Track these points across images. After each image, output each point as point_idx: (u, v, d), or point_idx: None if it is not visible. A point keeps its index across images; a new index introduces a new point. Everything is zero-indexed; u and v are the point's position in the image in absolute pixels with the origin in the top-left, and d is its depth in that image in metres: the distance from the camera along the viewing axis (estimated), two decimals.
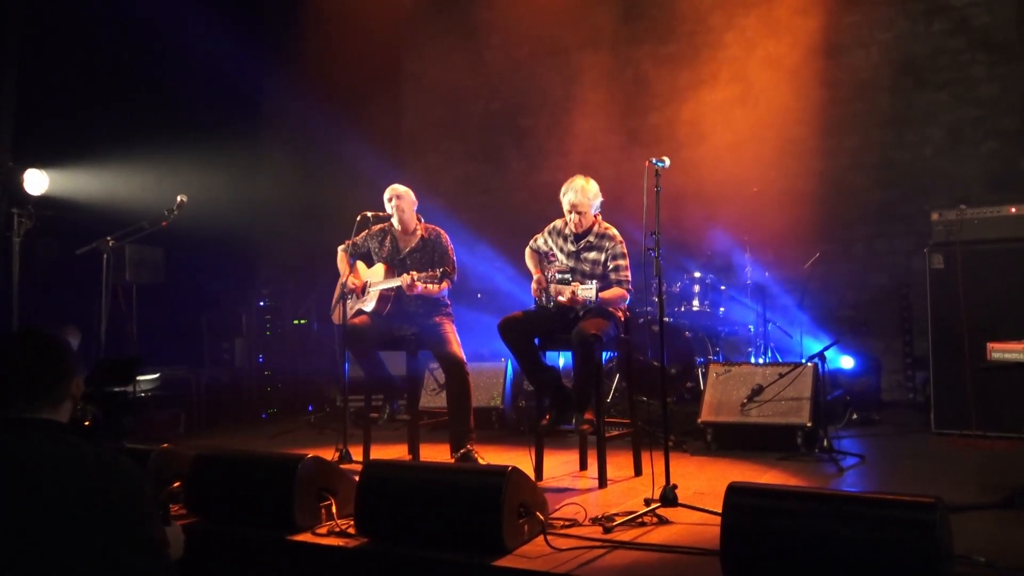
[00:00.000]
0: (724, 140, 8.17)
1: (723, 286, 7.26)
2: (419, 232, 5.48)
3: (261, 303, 8.40)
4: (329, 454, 5.09)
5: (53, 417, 2.27)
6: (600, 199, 4.96)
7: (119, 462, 2.18)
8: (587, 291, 4.55)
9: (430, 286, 5.05)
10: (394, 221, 5.45)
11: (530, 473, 4.05)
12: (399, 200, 5.43)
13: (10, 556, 2.04)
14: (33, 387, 2.25)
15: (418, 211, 5.59)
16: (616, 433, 4.92)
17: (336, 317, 5.56)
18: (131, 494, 2.18)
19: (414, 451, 5.31)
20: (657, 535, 3.49)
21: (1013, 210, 5.87)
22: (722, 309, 7.20)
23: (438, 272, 5.04)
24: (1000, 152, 7.50)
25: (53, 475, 2.11)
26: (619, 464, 4.89)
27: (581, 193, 4.87)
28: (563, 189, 4.96)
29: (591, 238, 4.94)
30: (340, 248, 5.65)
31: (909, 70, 7.88)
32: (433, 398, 6.77)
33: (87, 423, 5.73)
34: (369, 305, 5.36)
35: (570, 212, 4.93)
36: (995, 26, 7.58)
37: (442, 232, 5.52)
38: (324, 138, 9.04)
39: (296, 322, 8.58)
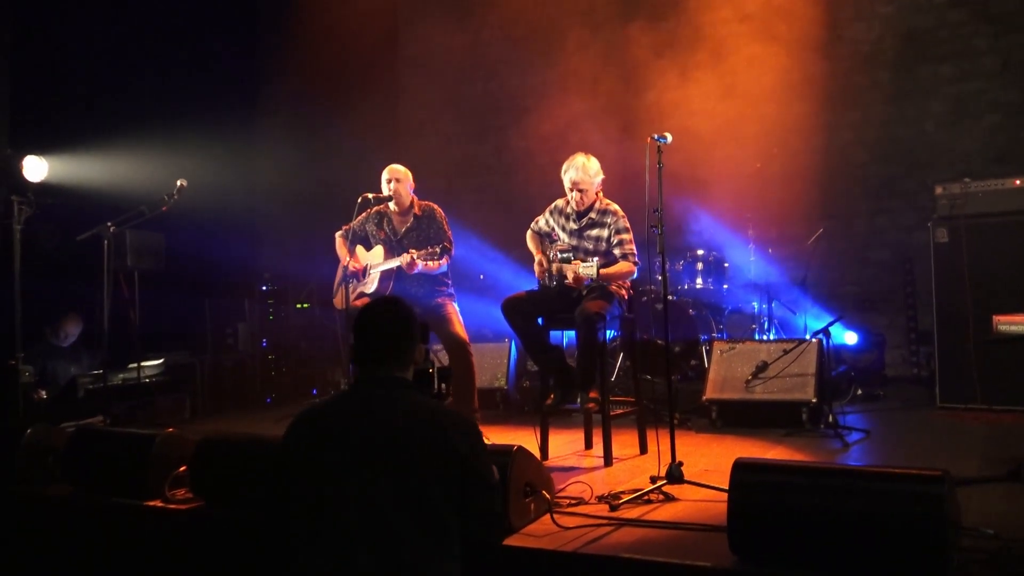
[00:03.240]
0: (725, 116, 8.10)
1: (726, 263, 7.24)
2: (414, 210, 5.47)
3: (264, 288, 8.39)
4: None
5: (404, 376, 2.63)
6: (601, 176, 4.93)
7: (459, 415, 2.56)
8: (588, 268, 4.54)
9: (430, 263, 5.05)
10: (391, 203, 5.43)
11: (535, 452, 4.04)
12: (397, 183, 5.41)
13: (375, 490, 2.38)
14: (394, 352, 2.62)
15: (416, 192, 5.58)
16: (621, 412, 4.91)
17: (338, 301, 5.55)
18: (474, 441, 2.52)
19: None
20: (663, 512, 3.49)
21: (1017, 182, 5.84)
22: (725, 286, 7.19)
23: (437, 248, 5.04)
24: (1003, 125, 7.46)
25: (410, 424, 2.46)
26: (624, 442, 4.88)
27: (582, 171, 4.85)
28: (564, 167, 4.94)
29: (593, 215, 4.92)
30: (337, 234, 5.64)
31: (911, 43, 7.82)
32: None
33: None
34: (371, 287, 5.35)
35: (571, 190, 4.90)
36: None
37: (436, 207, 5.50)
38: (322, 121, 9.00)
39: (299, 306, 8.56)
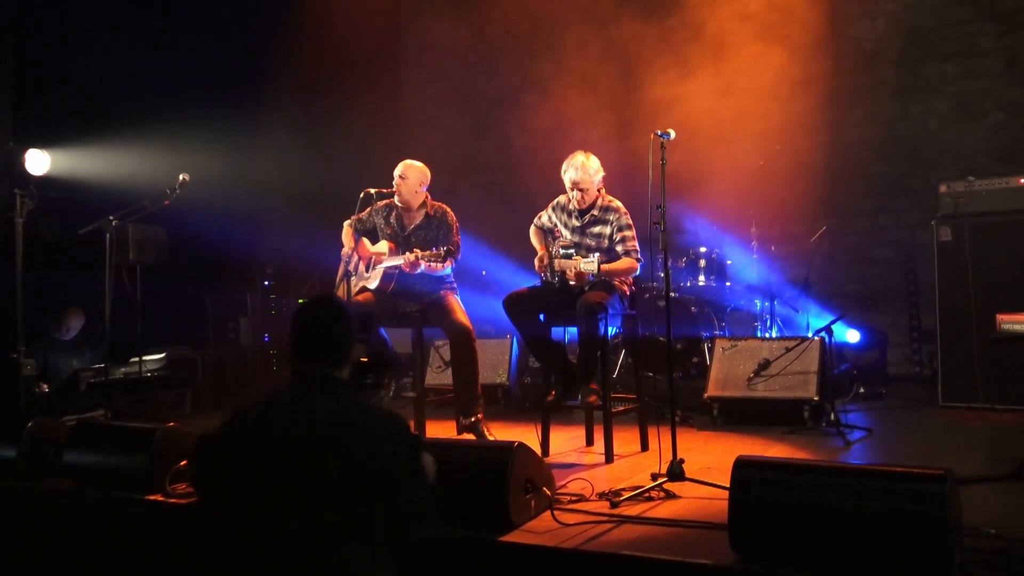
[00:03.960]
0: (728, 113, 8.10)
1: (728, 260, 7.23)
2: (425, 209, 5.43)
3: (266, 282, 8.39)
4: None
5: (339, 375, 2.66)
6: (602, 173, 4.92)
7: (391, 415, 2.59)
8: (589, 264, 4.53)
9: (434, 264, 5.01)
10: (396, 199, 5.40)
11: (536, 449, 4.04)
12: (401, 180, 5.36)
13: (306, 488, 2.39)
14: (328, 351, 2.65)
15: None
16: (622, 408, 4.90)
17: (340, 294, 5.54)
18: (404, 440, 2.56)
19: (420, 428, 5.31)
20: (664, 509, 3.49)
21: (1021, 181, 5.82)
22: (728, 284, 7.18)
23: (442, 251, 4.98)
24: (1007, 123, 7.43)
25: (341, 423, 2.50)
26: (625, 439, 4.88)
27: (582, 170, 4.83)
28: (563, 167, 4.92)
29: (595, 212, 4.91)
30: (346, 223, 5.62)
31: (915, 41, 7.80)
32: (439, 375, 6.77)
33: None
34: (373, 283, 5.34)
35: (572, 189, 4.89)
36: None
37: (448, 210, 5.44)
38: (325, 116, 8.99)
39: (301, 301, 8.56)
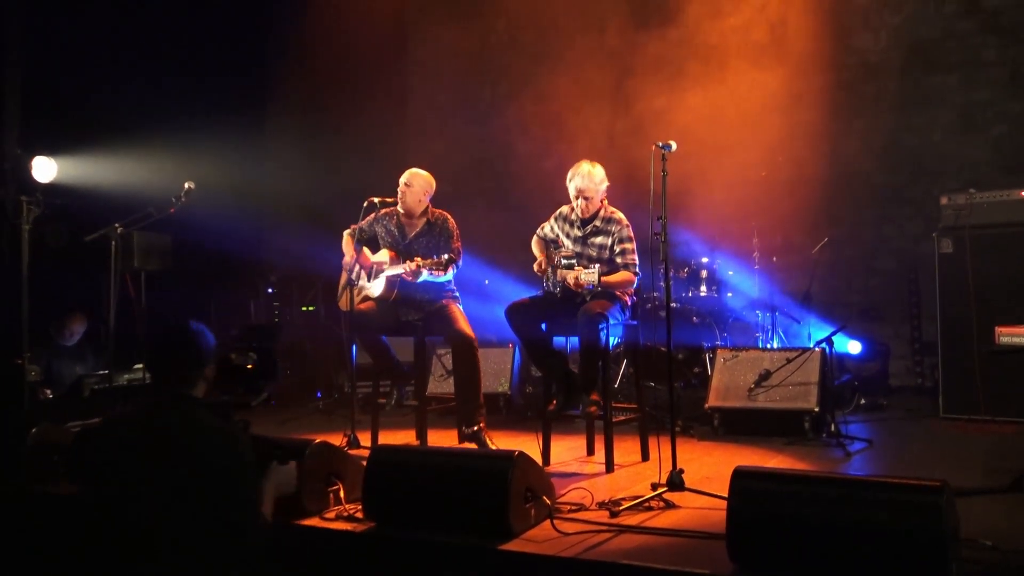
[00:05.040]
0: (732, 124, 8.12)
1: (730, 271, 7.25)
2: (426, 217, 5.45)
3: (269, 290, 8.42)
4: (337, 440, 5.10)
5: (191, 392, 2.89)
6: (606, 183, 4.95)
7: (230, 432, 2.79)
8: (590, 275, 4.55)
9: (435, 271, 5.02)
10: (399, 206, 5.43)
11: (537, 458, 4.06)
12: (407, 188, 5.38)
13: (158, 503, 2.63)
14: (180, 372, 2.90)
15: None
16: (623, 418, 4.92)
17: (343, 303, 5.56)
18: (239, 458, 2.74)
19: (422, 437, 5.33)
20: (664, 519, 3.50)
21: (1022, 194, 5.83)
22: (729, 294, 7.19)
23: (443, 259, 5.00)
24: (1010, 136, 7.45)
25: (187, 441, 2.72)
26: (626, 449, 4.89)
27: (588, 178, 4.86)
28: (569, 174, 4.95)
29: (597, 222, 4.94)
30: (346, 232, 5.64)
31: (918, 53, 7.82)
32: (441, 384, 6.78)
33: None
34: (375, 291, 5.36)
35: (577, 197, 4.92)
36: (1005, 8, 7.50)
37: (448, 216, 5.47)
38: (330, 124, 9.03)
39: (304, 308, 8.60)
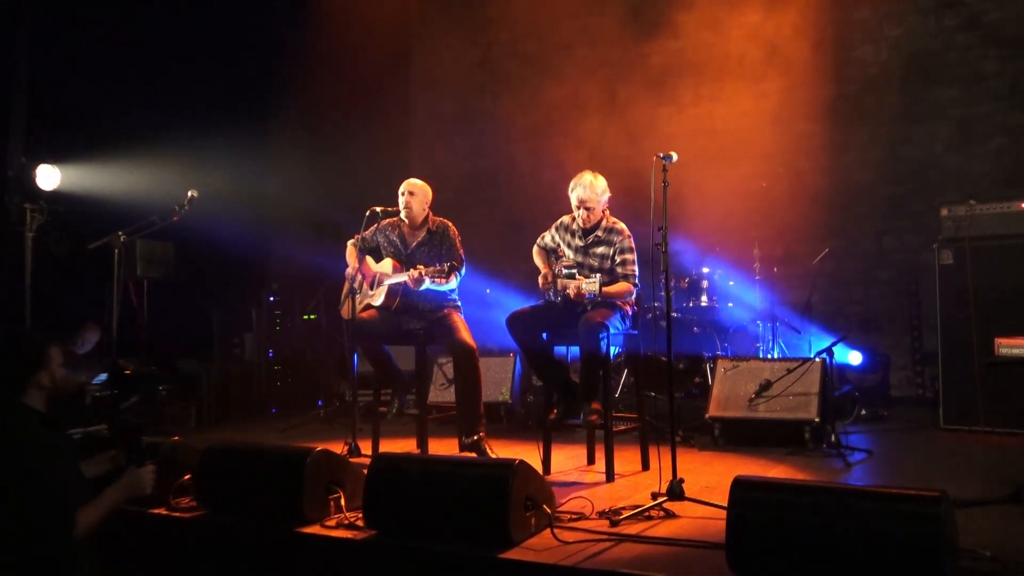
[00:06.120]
0: (733, 136, 8.16)
1: (731, 281, 7.26)
2: (427, 225, 5.47)
3: (271, 298, 8.43)
4: (338, 448, 5.12)
5: (23, 400, 3.11)
6: (608, 194, 4.97)
7: (36, 439, 3.04)
8: (591, 285, 4.56)
9: (438, 279, 5.03)
10: (403, 215, 5.45)
11: (538, 467, 4.07)
12: (411, 197, 5.40)
13: None
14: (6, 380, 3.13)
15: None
16: (624, 427, 4.93)
17: (345, 312, 5.58)
18: (28, 470, 2.95)
19: (423, 445, 5.34)
20: (663, 529, 3.51)
21: (1022, 206, 5.85)
22: (730, 304, 7.21)
23: (446, 267, 5.02)
24: (1010, 148, 7.48)
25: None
26: (626, 459, 4.90)
27: (589, 189, 4.88)
28: (571, 185, 4.97)
29: (599, 233, 4.96)
30: (349, 242, 5.66)
31: (919, 65, 7.86)
32: (442, 392, 6.79)
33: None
34: (378, 300, 5.38)
35: (578, 208, 4.94)
36: (1005, 21, 7.55)
37: (449, 224, 5.49)
38: (333, 134, 9.05)
39: (306, 317, 8.61)
